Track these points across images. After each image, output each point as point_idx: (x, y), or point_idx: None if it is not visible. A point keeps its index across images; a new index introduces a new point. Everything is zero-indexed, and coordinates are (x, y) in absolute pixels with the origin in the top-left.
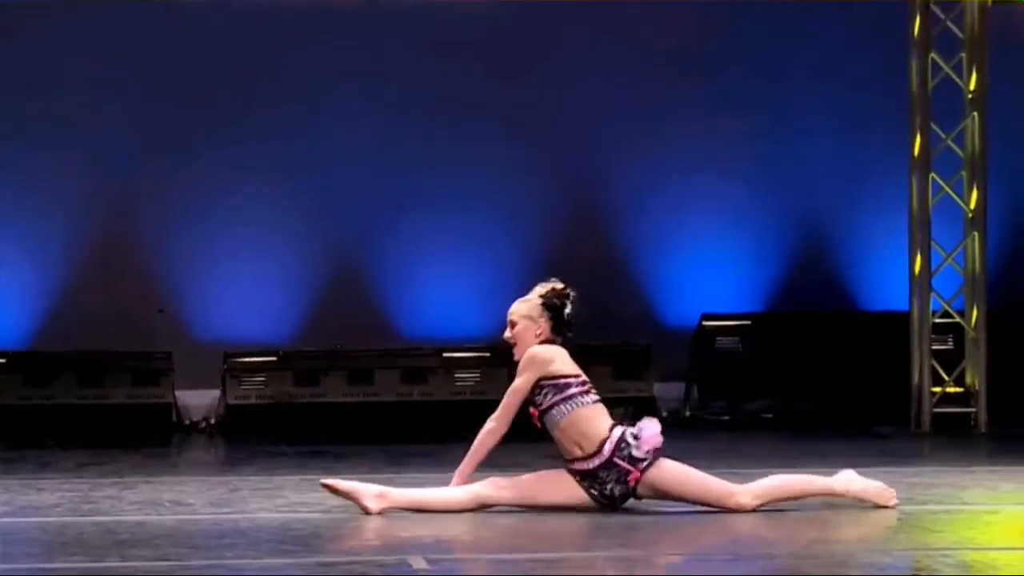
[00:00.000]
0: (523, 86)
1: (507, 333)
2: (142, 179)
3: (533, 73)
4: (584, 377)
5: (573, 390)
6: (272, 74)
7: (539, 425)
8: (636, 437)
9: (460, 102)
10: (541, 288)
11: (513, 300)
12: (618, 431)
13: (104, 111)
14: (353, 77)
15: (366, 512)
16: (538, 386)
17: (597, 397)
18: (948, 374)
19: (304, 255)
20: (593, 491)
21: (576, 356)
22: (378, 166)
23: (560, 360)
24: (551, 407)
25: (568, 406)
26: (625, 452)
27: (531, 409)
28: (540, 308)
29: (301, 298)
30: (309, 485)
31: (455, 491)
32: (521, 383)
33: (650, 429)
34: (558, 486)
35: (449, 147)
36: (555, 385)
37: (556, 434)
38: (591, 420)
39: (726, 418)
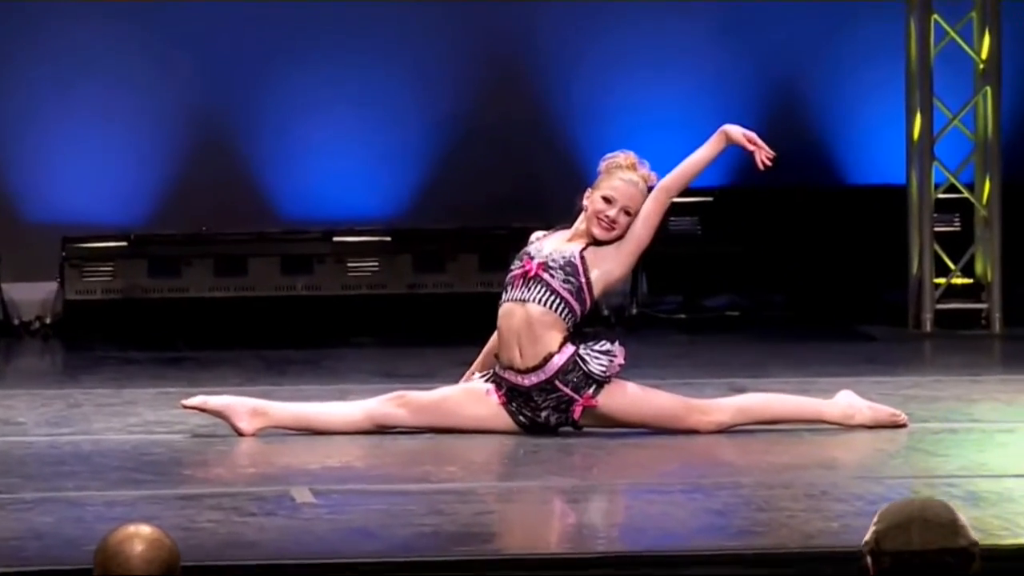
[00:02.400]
0: None
1: (612, 213)
2: None
3: None
4: None
5: (570, 295)
6: None
7: (514, 283)
8: (606, 353)
9: None
10: (628, 163)
11: (418, 173)
12: (570, 349)
13: None
14: None
15: (239, 433)
16: (574, 263)
17: None
18: (954, 262)
19: (161, 117)
20: (521, 417)
21: (499, 241)
22: (255, 12)
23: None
24: (549, 283)
25: (556, 300)
26: (571, 376)
27: (535, 261)
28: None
29: (157, 170)
30: (167, 400)
31: (347, 408)
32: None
33: (619, 349)
34: (475, 406)
35: None
36: (578, 273)
37: (518, 315)
38: (552, 327)
39: (682, 316)
